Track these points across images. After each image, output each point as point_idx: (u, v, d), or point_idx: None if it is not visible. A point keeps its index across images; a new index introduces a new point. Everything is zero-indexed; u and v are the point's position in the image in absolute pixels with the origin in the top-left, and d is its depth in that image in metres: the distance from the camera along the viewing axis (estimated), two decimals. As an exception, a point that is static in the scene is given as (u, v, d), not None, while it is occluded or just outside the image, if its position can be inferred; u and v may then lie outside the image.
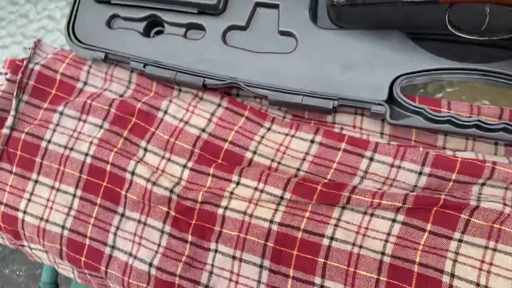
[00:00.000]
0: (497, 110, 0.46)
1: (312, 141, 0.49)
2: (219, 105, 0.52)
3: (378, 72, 0.46)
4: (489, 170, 0.44)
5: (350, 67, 0.47)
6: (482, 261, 0.42)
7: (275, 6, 0.50)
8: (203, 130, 0.51)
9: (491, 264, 0.41)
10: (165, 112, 0.52)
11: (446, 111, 0.47)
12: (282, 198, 0.47)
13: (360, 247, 0.44)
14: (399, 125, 0.46)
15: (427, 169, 0.46)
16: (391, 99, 0.46)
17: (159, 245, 0.50)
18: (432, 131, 0.47)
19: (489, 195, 0.44)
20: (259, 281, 0.47)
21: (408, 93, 0.49)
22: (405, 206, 0.44)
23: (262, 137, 0.50)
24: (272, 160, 0.50)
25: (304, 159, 0.49)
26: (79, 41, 0.53)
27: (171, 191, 0.49)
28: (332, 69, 0.47)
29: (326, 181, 0.48)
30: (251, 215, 0.47)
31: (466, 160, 0.45)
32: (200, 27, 0.51)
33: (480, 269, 0.42)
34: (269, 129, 0.51)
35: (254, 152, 0.50)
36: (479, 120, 0.44)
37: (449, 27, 0.44)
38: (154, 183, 0.49)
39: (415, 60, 0.46)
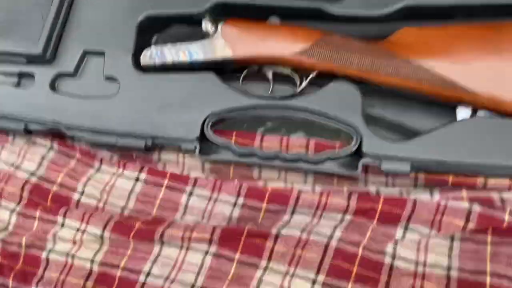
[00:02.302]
0: (304, 141, 0.50)
1: (137, 179, 0.51)
2: (50, 148, 0.53)
3: (191, 112, 0.49)
4: (294, 198, 0.47)
5: (166, 108, 0.50)
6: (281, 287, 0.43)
7: (102, 53, 0.53)
8: (33, 174, 0.52)
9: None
10: (-3, 159, 0.53)
11: (259, 144, 0.50)
12: (102, 237, 0.48)
13: (172, 281, 0.45)
14: (209, 160, 0.48)
15: (241, 200, 0.48)
16: (203, 136, 0.49)
17: None
18: (243, 164, 0.50)
19: (295, 223, 0.46)
20: None
21: (236, 129, 0.52)
22: (213, 237, 0.45)
23: (89, 178, 0.52)
24: (99, 200, 0.51)
25: (129, 198, 0.50)
26: None
27: None
28: (150, 110, 0.50)
29: (149, 218, 0.49)
30: (73, 256, 0.48)
31: (275, 190, 0.48)
32: (30, 75, 0.53)
33: None
34: (98, 169, 0.52)
35: (82, 193, 0.51)
36: (279, 152, 0.47)
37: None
38: None
39: (225, 99, 0.49)
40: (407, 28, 0.49)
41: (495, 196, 0.44)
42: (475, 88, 0.45)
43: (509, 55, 0.46)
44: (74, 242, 0.48)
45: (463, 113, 0.48)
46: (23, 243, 0.49)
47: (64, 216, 0.49)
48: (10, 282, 0.48)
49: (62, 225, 0.49)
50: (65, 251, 0.48)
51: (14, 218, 0.50)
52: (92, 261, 0.47)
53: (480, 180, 0.45)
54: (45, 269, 0.48)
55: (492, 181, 0.45)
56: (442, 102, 0.48)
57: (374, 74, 0.47)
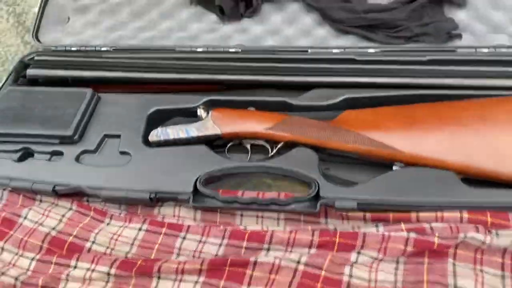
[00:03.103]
0: (276, 194, 0.63)
1: (140, 229, 0.61)
2: (70, 209, 0.65)
3: (187, 172, 0.63)
4: (269, 236, 0.58)
5: (168, 170, 0.64)
6: None
7: (118, 136, 0.69)
8: (53, 228, 0.62)
9: None
10: (25, 218, 0.64)
11: (240, 196, 0.62)
12: (109, 274, 0.56)
13: None
14: (199, 206, 0.61)
15: (225, 241, 0.59)
16: (196, 191, 0.62)
17: None
18: (227, 212, 0.62)
19: (271, 256, 0.56)
20: None
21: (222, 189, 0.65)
22: (202, 268, 0.55)
23: (101, 229, 0.62)
24: (107, 247, 0.61)
25: (132, 244, 0.60)
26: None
27: (16, 279, 0.57)
28: (155, 173, 0.64)
29: (149, 258, 0.59)
30: (82, 293, 0.56)
31: (253, 231, 0.59)
32: (60, 153, 0.68)
33: None
34: (108, 223, 0.63)
35: (93, 242, 0.61)
36: (256, 199, 0.60)
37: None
38: (2, 273, 0.58)
39: (213, 164, 0.64)
40: (348, 110, 0.67)
41: (426, 225, 0.56)
42: (400, 148, 0.61)
43: (423, 125, 0.63)
44: (84, 280, 0.57)
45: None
46: (40, 284, 0.57)
47: (77, 259, 0.58)
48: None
49: (75, 267, 0.58)
50: (76, 288, 0.56)
51: (33, 264, 0.59)
52: (98, 295, 0.55)
53: (413, 215, 0.57)
54: (57, 304, 0.56)
55: (422, 215, 0.57)
56: (379, 161, 0.63)
57: (325, 142, 0.63)
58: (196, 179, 0.62)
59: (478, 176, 0.60)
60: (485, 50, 0.72)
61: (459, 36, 0.75)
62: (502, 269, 0.52)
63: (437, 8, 0.77)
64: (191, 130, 0.67)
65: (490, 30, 0.76)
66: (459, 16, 0.77)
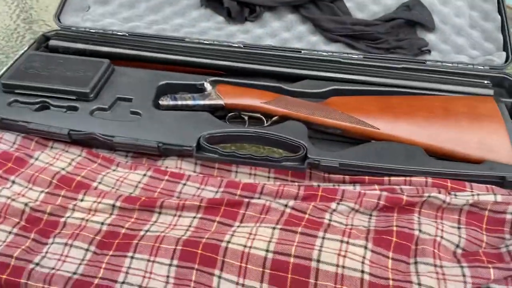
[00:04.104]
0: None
1: (144, 175, 0.68)
2: (79, 155, 0.71)
3: (192, 131, 0.71)
4: (260, 187, 0.65)
5: (174, 129, 0.71)
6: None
7: (130, 99, 0.77)
8: (63, 169, 0.68)
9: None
10: (36, 159, 0.69)
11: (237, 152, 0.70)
12: (114, 206, 0.62)
13: (161, 241, 0.59)
14: (201, 157, 0.68)
15: (221, 189, 0.66)
16: (199, 146, 0.69)
17: None
18: (225, 164, 0.69)
19: (259, 203, 0.64)
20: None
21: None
22: (202, 204, 0.61)
23: (108, 173, 0.68)
24: (112, 188, 0.66)
25: (136, 186, 0.67)
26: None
27: (26, 205, 0.62)
28: (162, 129, 0.71)
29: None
30: (86, 220, 0.61)
31: (246, 183, 0.66)
32: (75, 108, 0.75)
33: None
34: (114, 170, 0.69)
35: (100, 182, 0.67)
36: (251, 154, 0.68)
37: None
38: (13, 200, 0.62)
39: (215, 127, 0.72)
40: (335, 97, 0.78)
41: (396, 187, 0.65)
42: (378, 126, 0.71)
43: (397, 110, 0.74)
44: (90, 211, 0.62)
45: (373, 147, 0.73)
46: (47, 211, 0.62)
47: (84, 194, 0.64)
48: (32, 235, 0.59)
49: (82, 200, 0.63)
50: (81, 217, 0.61)
51: (42, 196, 0.64)
52: (102, 223, 0.60)
53: (386, 179, 0.67)
54: (62, 228, 0.60)
55: (393, 179, 0.66)
56: (360, 138, 0.73)
57: (313, 117, 0.73)
58: (199, 137, 0.70)
59: (439, 153, 0.70)
60: (449, 65, 0.86)
61: (428, 52, 0.89)
62: (459, 222, 0.62)
63: (411, 29, 0.91)
64: (197, 98, 0.75)
65: (453, 51, 0.91)
66: (429, 37, 0.92)
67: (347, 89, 0.81)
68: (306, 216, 0.61)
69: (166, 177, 0.68)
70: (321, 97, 0.80)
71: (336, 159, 0.67)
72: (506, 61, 0.87)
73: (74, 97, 0.76)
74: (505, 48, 0.88)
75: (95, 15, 0.97)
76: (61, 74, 0.78)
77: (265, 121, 0.75)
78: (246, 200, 0.63)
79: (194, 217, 0.62)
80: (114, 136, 0.69)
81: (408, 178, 0.66)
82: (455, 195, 0.64)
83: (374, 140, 0.73)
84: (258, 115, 0.76)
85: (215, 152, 0.69)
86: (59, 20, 0.94)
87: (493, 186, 0.65)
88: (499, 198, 0.62)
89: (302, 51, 0.88)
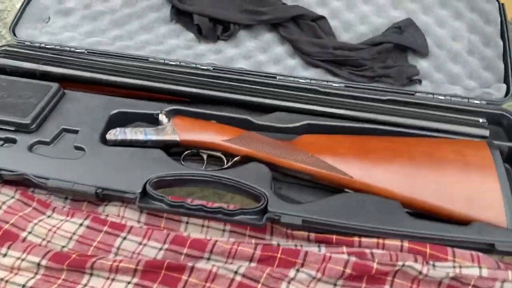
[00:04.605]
0: (225, 205, 0.62)
1: (81, 224, 0.60)
2: (12, 197, 0.62)
3: (138, 173, 0.62)
4: (211, 245, 0.57)
5: (119, 170, 0.63)
6: None
7: (76, 131, 0.68)
8: (-10, 216, 0.60)
9: None
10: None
11: (189, 202, 0.62)
12: (39, 265, 0.54)
13: None
14: (145, 207, 0.60)
15: (166, 246, 0.57)
16: (144, 192, 0.61)
17: None
18: (173, 218, 0.61)
19: (210, 264, 0.55)
20: None
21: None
22: (138, 268, 0.53)
23: (41, 220, 0.60)
24: (43, 239, 0.58)
25: (70, 238, 0.58)
26: None
27: None
28: (105, 170, 0.63)
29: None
30: (7, 281, 0.53)
31: (195, 239, 0.58)
32: (13, 141, 0.67)
33: None
34: (49, 216, 0.61)
35: (30, 232, 0.59)
36: (203, 205, 0.59)
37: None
38: None
39: (167, 168, 0.64)
40: (306, 135, 0.69)
41: (367, 251, 0.56)
42: (352, 174, 0.63)
43: (376, 155, 0.65)
44: (12, 269, 0.54)
45: (346, 195, 0.64)
46: (-37, 268, 0.54)
47: (9, 248, 0.56)
48: None
49: (5, 254, 0.55)
50: (1, 277, 0.53)
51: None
52: (23, 286, 0.53)
53: (356, 239, 0.58)
54: (-23, 292, 0.52)
55: (364, 240, 0.58)
56: (331, 185, 0.64)
57: (278, 159, 0.64)
58: (146, 181, 0.62)
59: (422, 209, 0.61)
60: (441, 98, 0.77)
61: (419, 81, 0.79)
62: (437, 300, 0.53)
63: (401, 54, 0.82)
64: (150, 133, 0.67)
65: (448, 81, 0.81)
66: (421, 64, 0.82)
67: (322, 124, 0.71)
68: (259, 286, 0.53)
69: (105, 228, 0.60)
70: (293, 132, 0.71)
71: (300, 215, 0.58)
72: (506, 95, 0.77)
73: (12, 128, 0.68)
74: (505, 80, 0.78)
75: (54, 28, 0.88)
76: (1, 101, 0.70)
77: (226, 161, 0.67)
78: (190, 264, 0.54)
79: (129, 283, 0.53)
80: (49, 179, 0.62)
81: (381, 241, 0.58)
82: (434, 265, 0.55)
83: (347, 188, 0.64)
84: (219, 154, 0.67)
85: (162, 201, 0.60)
86: (14, 33, 0.86)
87: (480, 254, 0.56)
88: (485, 272, 0.53)
89: (278, 77, 0.79)
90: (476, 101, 0.76)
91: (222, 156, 0.67)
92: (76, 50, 0.83)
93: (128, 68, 0.78)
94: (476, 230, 0.58)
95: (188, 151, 0.68)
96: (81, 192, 0.61)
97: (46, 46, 0.84)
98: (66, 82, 0.77)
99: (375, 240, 0.58)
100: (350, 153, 0.65)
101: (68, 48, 0.83)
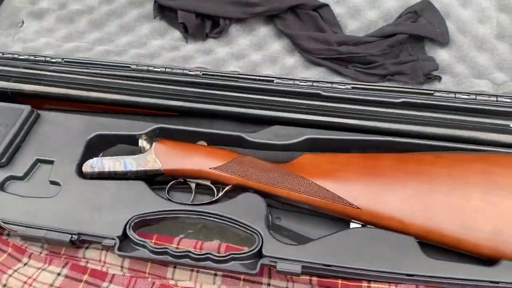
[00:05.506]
0: (216, 245, 0.56)
1: (59, 274, 0.54)
2: (-16, 243, 0.58)
3: (118, 213, 0.56)
4: None
5: (96, 209, 0.57)
6: None
7: (51, 162, 0.62)
8: (-40, 266, 0.55)
9: None
10: None
11: (175, 246, 0.55)
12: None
13: None
14: (126, 256, 0.53)
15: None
16: (125, 235, 0.55)
17: None
18: (158, 263, 0.55)
19: None
20: None
21: (159, 234, 0.58)
22: None
23: (15, 271, 0.55)
24: (19, 293, 0.54)
25: (47, 291, 0.53)
26: None
27: None
28: (81, 210, 0.57)
29: None
30: None
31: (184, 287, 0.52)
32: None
33: None
34: (25, 263, 0.56)
35: (4, 285, 0.54)
36: (190, 251, 0.53)
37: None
38: None
39: (150, 204, 0.57)
40: (306, 155, 0.60)
41: (377, 298, 0.49)
42: (358, 204, 0.54)
43: (386, 180, 0.56)
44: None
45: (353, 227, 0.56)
46: None
47: (-20, 305, 0.52)
48: None
49: (-23, 315, 0.51)
50: None
51: None
52: None
53: (364, 285, 0.51)
54: None
55: (374, 286, 0.50)
56: (335, 216, 0.56)
57: (274, 189, 0.56)
58: (127, 222, 0.56)
59: (439, 242, 0.53)
60: (465, 97, 0.66)
61: (438, 78, 0.68)
62: None
63: (418, 44, 0.70)
64: (129, 163, 0.60)
65: (472, 74, 0.69)
66: (441, 55, 0.70)
67: (324, 139, 0.62)
68: None
69: (85, 277, 0.54)
70: (292, 149, 0.63)
71: (299, 259, 0.51)
72: (544, 89, 0.66)
73: (-21, 164, 0.62)
74: (543, 70, 0.67)
75: (28, 33, 0.80)
76: (-33, 131, 0.64)
77: (216, 191, 0.59)
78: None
79: None
80: (19, 225, 0.55)
81: (393, 287, 0.50)
82: (455, 317, 0.48)
83: (354, 219, 0.56)
84: (208, 183, 0.60)
85: (144, 246, 0.54)
86: (-16, 43, 0.79)
87: (509, 300, 0.48)
88: (515, 326, 0.46)
89: (275, 81, 0.70)
90: (507, 99, 0.65)
91: (212, 186, 0.60)
92: (52, 60, 0.75)
93: (108, 80, 0.70)
94: (505, 270, 0.50)
95: (174, 181, 0.60)
96: (56, 241, 0.55)
97: (20, 57, 0.76)
98: (41, 99, 0.70)
99: (386, 286, 0.51)
100: (356, 177, 0.57)
101: (43, 58, 0.75)
